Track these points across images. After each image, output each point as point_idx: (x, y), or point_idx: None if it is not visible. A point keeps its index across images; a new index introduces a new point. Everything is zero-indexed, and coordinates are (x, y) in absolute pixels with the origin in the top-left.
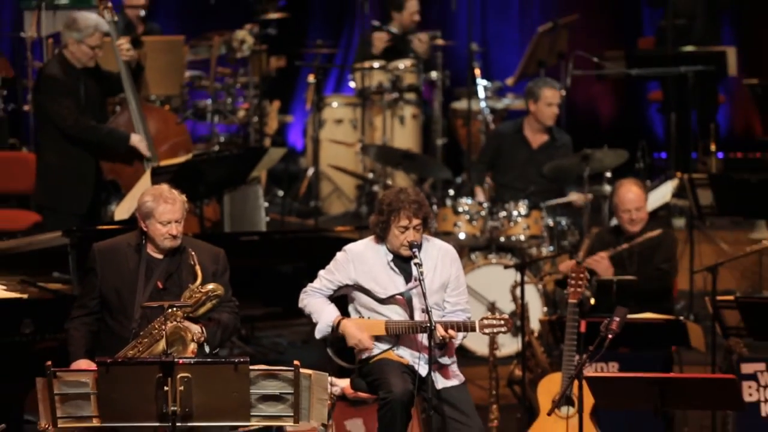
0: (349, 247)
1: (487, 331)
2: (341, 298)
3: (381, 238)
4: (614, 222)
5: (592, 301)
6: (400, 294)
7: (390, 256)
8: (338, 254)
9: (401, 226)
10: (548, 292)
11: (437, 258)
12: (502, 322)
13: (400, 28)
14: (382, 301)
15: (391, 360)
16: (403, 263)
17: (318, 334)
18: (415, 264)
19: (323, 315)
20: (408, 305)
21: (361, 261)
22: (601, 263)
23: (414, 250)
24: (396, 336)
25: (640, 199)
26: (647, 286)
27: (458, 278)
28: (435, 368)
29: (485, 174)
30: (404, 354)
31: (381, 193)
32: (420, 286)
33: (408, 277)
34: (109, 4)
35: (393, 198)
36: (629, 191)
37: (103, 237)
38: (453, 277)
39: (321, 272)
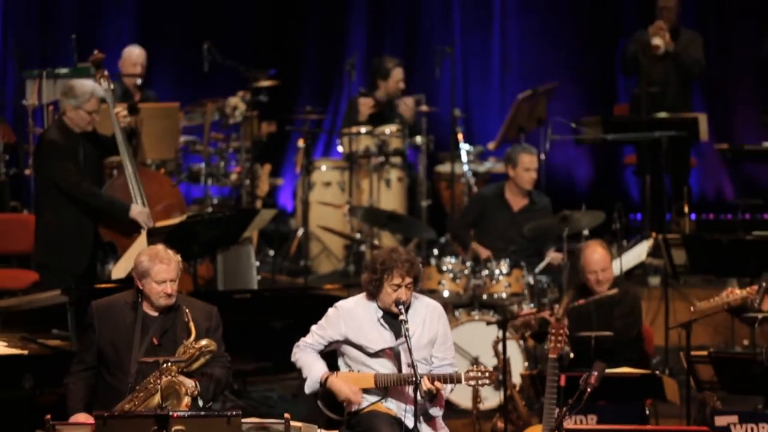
0: (340, 304)
1: (472, 382)
2: (332, 351)
3: (372, 295)
4: None
5: (572, 355)
6: (390, 348)
7: (380, 313)
8: (330, 311)
9: (394, 284)
10: (529, 347)
11: (425, 315)
12: (487, 374)
13: (386, 96)
14: (372, 355)
15: (380, 412)
16: (392, 319)
17: (307, 389)
18: (401, 321)
19: (312, 371)
20: (396, 359)
21: (352, 317)
22: (549, 318)
23: (400, 307)
24: (384, 388)
25: (606, 260)
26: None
27: (445, 334)
28: (423, 420)
29: (470, 232)
30: (392, 406)
31: (371, 253)
32: (406, 342)
33: (397, 333)
34: (106, 73)
35: (386, 257)
36: (595, 252)
37: (100, 295)
38: (440, 333)
39: (313, 327)
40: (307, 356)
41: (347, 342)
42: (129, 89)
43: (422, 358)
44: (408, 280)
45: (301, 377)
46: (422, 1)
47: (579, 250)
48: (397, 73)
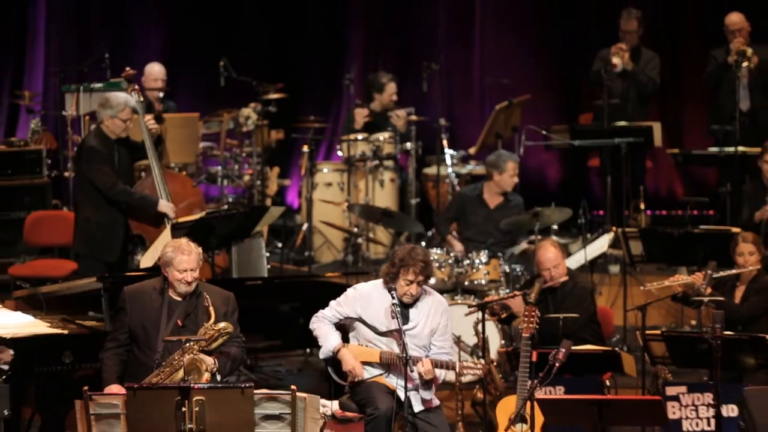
0: (359, 286)
1: (465, 372)
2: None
3: (389, 281)
4: None
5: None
6: (396, 330)
7: (391, 299)
8: (349, 290)
9: (408, 279)
10: (505, 328)
11: (431, 307)
12: (479, 367)
13: (381, 107)
14: (380, 335)
15: (380, 383)
16: (401, 308)
17: (321, 355)
18: (407, 308)
19: (328, 340)
20: (401, 341)
21: (368, 300)
22: (516, 301)
23: (409, 298)
24: (387, 365)
25: (557, 258)
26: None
27: (446, 327)
28: (421, 394)
29: (449, 226)
30: (392, 381)
31: (396, 248)
32: (414, 327)
33: (405, 319)
34: (137, 87)
35: (406, 255)
36: (548, 251)
37: (130, 282)
38: (441, 325)
39: (332, 303)
40: (324, 327)
41: (360, 320)
42: (151, 101)
43: (422, 345)
44: (420, 278)
45: (305, 354)
46: (412, 22)
47: (535, 249)
48: (391, 87)
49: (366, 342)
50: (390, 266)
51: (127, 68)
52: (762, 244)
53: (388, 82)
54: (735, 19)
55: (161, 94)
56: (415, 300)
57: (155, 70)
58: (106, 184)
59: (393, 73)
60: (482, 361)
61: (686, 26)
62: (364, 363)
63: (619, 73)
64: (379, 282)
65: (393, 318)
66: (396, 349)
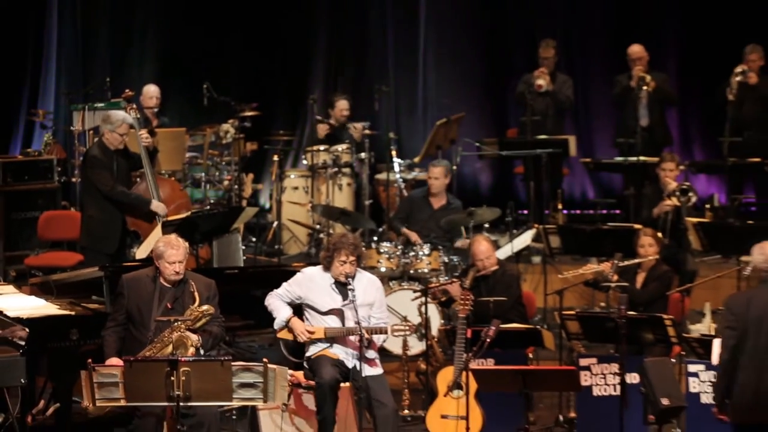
0: (305, 270)
1: (397, 333)
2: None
3: (326, 268)
4: None
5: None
6: (337, 308)
7: (332, 281)
8: (298, 274)
9: (341, 260)
10: (445, 309)
11: (366, 285)
12: (407, 327)
13: (336, 121)
14: (323, 313)
15: (326, 356)
16: (341, 286)
17: (276, 326)
18: (349, 289)
19: (281, 313)
20: (341, 316)
21: (312, 281)
22: (454, 287)
23: (348, 279)
24: (332, 339)
25: (489, 250)
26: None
27: (381, 300)
28: (363, 361)
29: (403, 224)
30: (337, 351)
31: (329, 238)
32: (353, 303)
33: (344, 297)
34: (134, 106)
35: (337, 240)
36: (480, 245)
37: (127, 271)
38: (377, 299)
39: (284, 284)
40: (277, 302)
41: (307, 299)
42: (148, 117)
43: (362, 316)
44: (352, 258)
45: (275, 332)
46: (366, 51)
47: (470, 243)
48: (341, 104)
49: (314, 319)
50: (326, 252)
51: (126, 90)
52: (659, 237)
53: (338, 100)
54: (636, 49)
55: (156, 110)
56: (352, 279)
57: (151, 90)
58: (106, 187)
59: (349, 94)
60: (410, 321)
61: (594, 54)
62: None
63: (541, 93)
64: (320, 267)
65: (336, 294)
66: (339, 325)
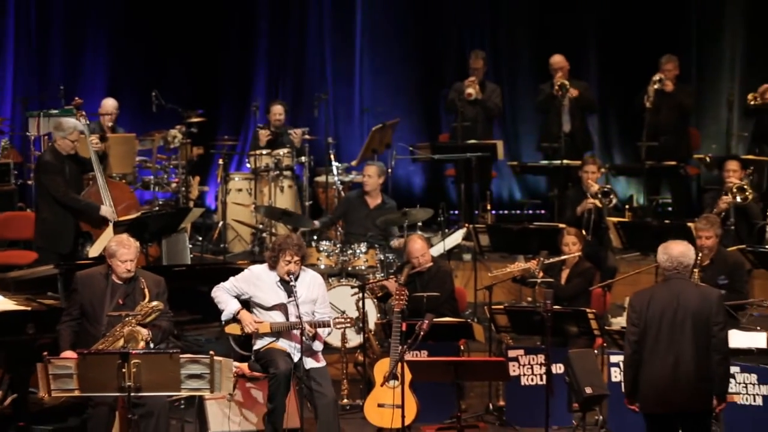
0: (252, 267)
1: (339, 326)
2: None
3: (272, 267)
4: None
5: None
6: (281, 304)
7: (277, 278)
8: (245, 271)
9: (287, 259)
10: (381, 304)
11: (309, 282)
12: (348, 320)
13: (272, 125)
14: (268, 308)
15: (276, 349)
16: (285, 284)
17: (224, 317)
18: (292, 286)
19: (229, 306)
20: (285, 312)
21: (258, 278)
22: (390, 283)
23: (291, 276)
24: (278, 332)
25: (423, 248)
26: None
27: (323, 296)
28: (306, 354)
29: (334, 223)
30: (284, 344)
31: (274, 238)
32: (295, 301)
33: (289, 293)
34: (83, 113)
35: (282, 241)
36: (415, 243)
37: (81, 269)
38: (320, 295)
39: (231, 278)
40: (224, 295)
41: (253, 295)
42: (103, 126)
43: (306, 312)
44: (296, 258)
45: (221, 325)
46: (306, 60)
47: (405, 242)
48: (275, 109)
49: (261, 314)
50: (271, 252)
51: (76, 98)
52: (582, 236)
53: (273, 105)
54: (557, 59)
55: (110, 124)
56: (296, 277)
57: (108, 104)
58: (59, 192)
59: (290, 101)
60: (349, 315)
61: (520, 64)
62: (258, 334)
63: (471, 101)
64: (266, 265)
65: (282, 291)
66: (284, 320)
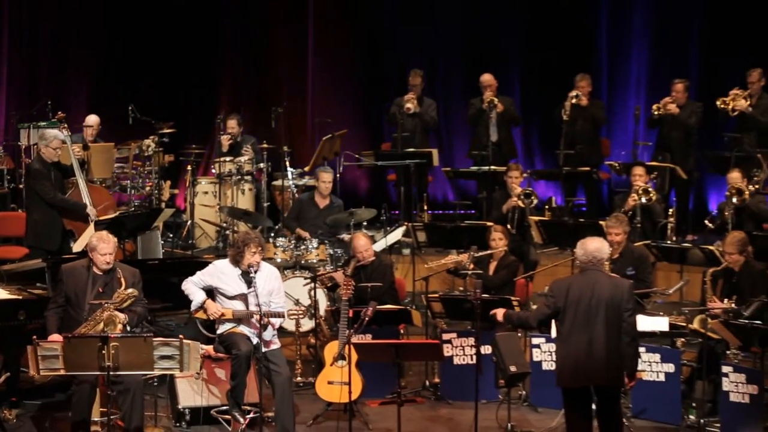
0: (216, 262)
1: (292, 317)
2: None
3: (235, 261)
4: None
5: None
6: (242, 294)
7: (239, 271)
8: (210, 266)
9: (252, 251)
10: (331, 293)
11: (267, 275)
12: (301, 312)
13: (233, 136)
14: (231, 298)
15: (237, 333)
16: (245, 276)
17: (192, 307)
18: (251, 277)
19: (197, 296)
20: (245, 301)
21: (222, 272)
22: (338, 274)
23: (252, 268)
24: (239, 319)
25: (367, 244)
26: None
27: (279, 288)
28: (262, 341)
29: (295, 223)
30: (244, 329)
31: (235, 235)
32: (254, 291)
33: (248, 285)
34: (66, 125)
35: (245, 236)
36: (360, 240)
37: (66, 262)
38: (276, 287)
39: (198, 272)
40: (192, 287)
41: (217, 286)
42: (85, 138)
43: (263, 302)
44: (259, 248)
45: (189, 312)
46: (264, 78)
47: (350, 239)
48: (230, 123)
49: (225, 303)
50: (235, 248)
51: (59, 112)
52: (507, 232)
53: (228, 119)
54: (487, 78)
55: (91, 138)
56: (256, 270)
57: (92, 119)
58: (48, 195)
59: (250, 115)
60: (302, 306)
61: (454, 82)
62: (221, 321)
63: (410, 114)
64: (229, 260)
65: (242, 283)
66: (244, 308)
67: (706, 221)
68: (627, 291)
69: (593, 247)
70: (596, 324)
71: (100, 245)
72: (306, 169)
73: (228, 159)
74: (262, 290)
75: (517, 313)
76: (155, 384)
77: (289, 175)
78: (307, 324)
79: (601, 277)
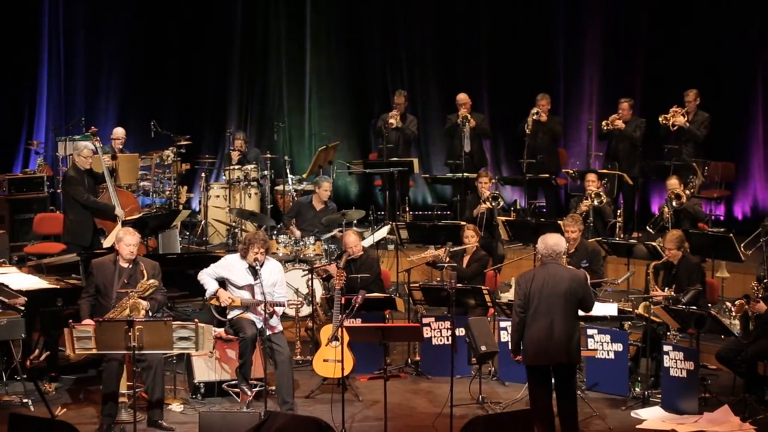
0: (227, 256)
1: (291, 308)
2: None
3: (243, 256)
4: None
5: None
6: (249, 284)
7: (246, 265)
8: (222, 260)
9: (255, 251)
10: (326, 283)
11: (271, 268)
12: (300, 302)
13: (239, 149)
14: (240, 287)
15: (244, 318)
16: (252, 269)
17: (207, 294)
18: (257, 270)
19: (211, 285)
20: (252, 291)
21: (232, 265)
22: (332, 267)
23: (257, 263)
24: (246, 306)
25: (357, 241)
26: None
27: (282, 280)
28: (267, 326)
29: (291, 222)
30: (251, 316)
31: (244, 233)
32: (260, 282)
33: (255, 277)
34: (98, 138)
35: (251, 236)
36: (350, 237)
37: (96, 257)
38: (279, 279)
39: (212, 265)
40: (207, 278)
41: (228, 278)
42: (115, 149)
43: (267, 292)
44: (263, 249)
45: (203, 300)
46: (268, 96)
47: (343, 235)
48: (237, 141)
49: (234, 292)
50: (243, 245)
51: (92, 127)
52: (478, 231)
53: (236, 136)
54: (462, 96)
55: (120, 147)
56: (261, 264)
57: (118, 131)
58: (81, 198)
59: (255, 129)
60: (300, 299)
61: (432, 100)
62: (231, 307)
63: (393, 128)
64: (238, 254)
65: (249, 276)
66: (250, 297)
67: (648, 227)
68: (583, 280)
69: (552, 242)
70: (557, 310)
71: (126, 237)
72: (304, 176)
73: (237, 167)
74: (266, 281)
75: (512, 340)
76: (174, 361)
77: (290, 181)
78: (305, 309)
79: (560, 269)
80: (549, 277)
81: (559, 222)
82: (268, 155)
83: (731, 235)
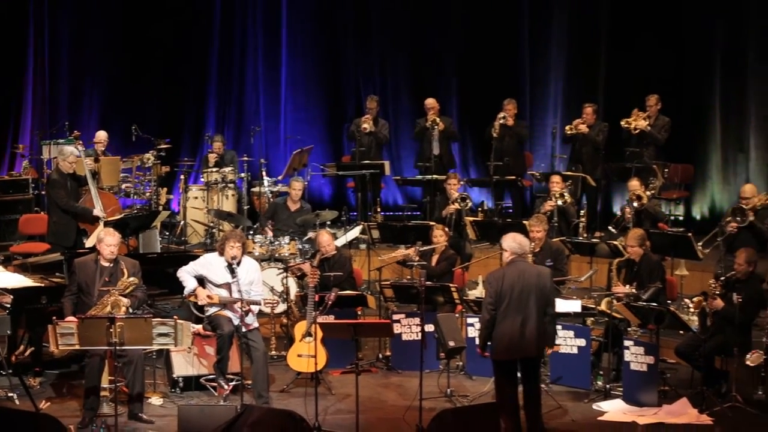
0: (206, 255)
1: (267, 306)
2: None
3: (221, 253)
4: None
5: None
6: (227, 283)
7: (225, 263)
8: (201, 258)
9: (231, 245)
10: (300, 281)
11: (248, 267)
12: (276, 300)
13: (218, 153)
14: (218, 285)
15: (222, 315)
16: (230, 268)
17: (186, 292)
18: (234, 269)
19: (189, 283)
20: (229, 289)
21: (210, 263)
22: (306, 266)
23: (234, 260)
24: (223, 304)
25: (330, 240)
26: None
27: (258, 279)
28: (243, 323)
29: (267, 222)
30: (228, 313)
31: (221, 232)
32: (237, 281)
33: (232, 275)
34: (81, 142)
35: (228, 233)
36: (323, 236)
37: (79, 256)
38: (255, 278)
39: (191, 263)
40: (186, 275)
41: (206, 275)
42: (98, 152)
43: (244, 290)
44: (238, 244)
45: (182, 297)
46: (245, 102)
47: (315, 236)
48: (215, 144)
49: (212, 290)
50: (220, 243)
51: (75, 131)
52: (447, 231)
53: (215, 140)
54: (431, 101)
55: (102, 149)
56: (239, 262)
57: (101, 135)
58: (61, 202)
59: (232, 134)
60: (275, 297)
61: (402, 105)
62: (209, 304)
63: (366, 133)
64: (217, 253)
65: (227, 274)
66: (228, 295)
67: (610, 227)
68: (549, 278)
69: (521, 240)
70: (528, 306)
71: (107, 238)
72: (279, 178)
73: (215, 170)
74: (243, 280)
75: (481, 337)
76: (154, 357)
77: (265, 183)
78: (281, 306)
79: (527, 266)
80: (519, 275)
81: (524, 222)
82: (245, 158)
83: (690, 234)
